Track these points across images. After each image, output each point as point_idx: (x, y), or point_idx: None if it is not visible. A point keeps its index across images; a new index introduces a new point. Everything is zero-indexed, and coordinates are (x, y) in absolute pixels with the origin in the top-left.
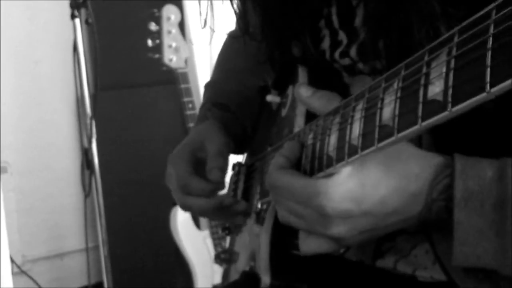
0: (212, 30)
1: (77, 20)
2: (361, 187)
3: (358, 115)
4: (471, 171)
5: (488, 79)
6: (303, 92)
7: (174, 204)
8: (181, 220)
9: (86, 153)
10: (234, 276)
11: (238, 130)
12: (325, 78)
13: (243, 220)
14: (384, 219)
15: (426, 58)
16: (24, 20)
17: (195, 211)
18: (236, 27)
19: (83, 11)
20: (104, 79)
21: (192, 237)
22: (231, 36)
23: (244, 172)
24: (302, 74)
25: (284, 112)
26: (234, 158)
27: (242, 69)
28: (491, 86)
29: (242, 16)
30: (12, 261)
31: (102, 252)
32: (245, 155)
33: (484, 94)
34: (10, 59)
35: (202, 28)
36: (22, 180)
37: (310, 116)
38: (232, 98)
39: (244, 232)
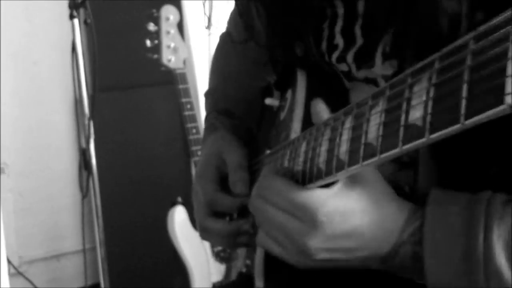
0: (209, 29)
1: (76, 21)
2: (352, 210)
3: (346, 130)
4: (440, 222)
5: (463, 111)
6: (321, 110)
7: (172, 204)
8: (179, 221)
9: (83, 154)
10: (235, 273)
11: (246, 135)
12: (325, 82)
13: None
14: (353, 251)
15: (409, 80)
16: (23, 21)
17: (212, 233)
18: (227, 30)
19: (81, 11)
20: (102, 80)
21: (189, 238)
22: (228, 41)
23: None
24: (300, 78)
25: (282, 115)
26: None
27: (240, 72)
28: (466, 118)
29: (247, 20)
30: (9, 262)
31: (99, 253)
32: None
33: (459, 125)
34: (9, 60)
35: (206, 27)
36: (19, 181)
37: (307, 122)
38: (235, 104)
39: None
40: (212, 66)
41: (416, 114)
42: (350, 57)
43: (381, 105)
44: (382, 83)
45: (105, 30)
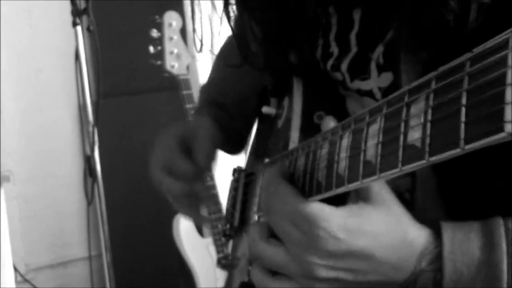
0: (201, 52)
1: (79, 28)
2: (360, 229)
3: (344, 146)
4: (459, 250)
5: (462, 135)
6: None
7: (177, 211)
8: (184, 228)
9: (88, 161)
10: (237, 280)
11: (232, 130)
12: (321, 90)
13: (208, 220)
14: (363, 273)
15: (406, 99)
16: (26, 28)
17: (171, 193)
18: (222, 48)
19: (84, 18)
20: (106, 86)
21: (195, 244)
22: (222, 64)
23: (243, 180)
24: (297, 86)
25: (280, 123)
26: (234, 162)
27: (238, 72)
28: (466, 143)
29: (242, 43)
30: (16, 269)
31: (105, 259)
32: (246, 160)
33: (458, 150)
34: (12, 67)
35: (198, 52)
36: (24, 188)
37: (305, 131)
38: (228, 97)
39: (245, 238)
40: (214, 62)
41: (415, 135)
42: (344, 66)
43: (378, 123)
44: (378, 95)
45: (108, 36)
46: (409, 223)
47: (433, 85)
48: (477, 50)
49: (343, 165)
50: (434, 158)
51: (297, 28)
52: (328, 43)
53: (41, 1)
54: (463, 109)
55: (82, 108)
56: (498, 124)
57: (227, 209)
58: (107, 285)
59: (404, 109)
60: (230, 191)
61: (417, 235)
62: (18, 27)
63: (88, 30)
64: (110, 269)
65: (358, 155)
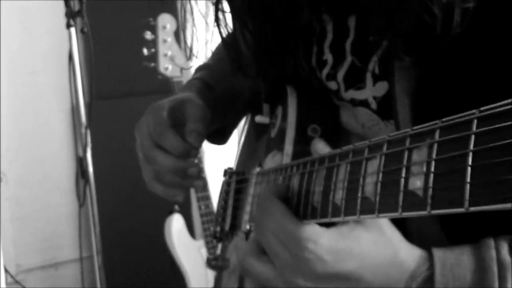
0: (190, 60)
1: (73, 29)
2: (349, 251)
3: (341, 177)
4: (451, 272)
5: (467, 197)
6: (321, 149)
7: (169, 213)
8: (176, 230)
9: (80, 163)
10: (226, 282)
11: (217, 117)
12: (315, 99)
13: (180, 195)
14: None
15: (408, 143)
16: (20, 29)
17: (157, 166)
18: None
19: (78, 20)
20: (99, 88)
21: (186, 246)
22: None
23: (234, 184)
24: (291, 96)
25: (273, 133)
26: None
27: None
28: (471, 204)
29: (234, 52)
30: (6, 271)
31: (97, 261)
32: (236, 162)
33: (462, 209)
34: (6, 68)
35: (187, 60)
36: (16, 189)
37: (298, 144)
38: (219, 83)
39: (235, 241)
40: (217, 46)
41: (416, 183)
42: (341, 75)
43: (378, 161)
44: (374, 105)
45: (102, 38)
46: (400, 244)
47: (437, 136)
48: (484, 109)
49: (339, 195)
50: (436, 212)
51: (291, 36)
52: (322, 51)
53: (34, 3)
54: (469, 169)
55: (75, 109)
56: (507, 194)
57: (218, 211)
58: (98, 287)
59: (406, 153)
60: (221, 193)
61: (408, 256)
62: (12, 28)
63: (82, 32)
64: (101, 271)
65: (356, 189)
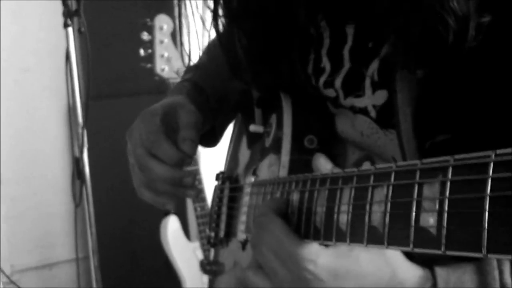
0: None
1: (70, 29)
2: (347, 271)
3: (345, 201)
4: None
5: (485, 243)
6: (322, 165)
7: (165, 214)
8: (172, 231)
9: (77, 163)
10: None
11: (207, 119)
12: (310, 108)
13: (171, 202)
14: None
15: (417, 177)
16: (17, 28)
17: (152, 175)
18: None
19: (75, 20)
20: (96, 88)
21: (182, 248)
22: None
23: (228, 191)
24: (286, 105)
25: (267, 142)
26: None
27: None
28: (488, 251)
29: (231, 57)
30: (1, 270)
31: (92, 262)
32: (226, 166)
33: (480, 254)
34: (2, 67)
35: (184, 62)
36: (12, 188)
37: (295, 154)
38: (209, 84)
39: (230, 248)
40: (209, 45)
41: (429, 221)
42: (338, 82)
43: (385, 191)
44: (373, 113)
45: (99, 38)
46: (400, 264)
47: (450, 174)
48: (503, 152)
49: (344, 219)
50: (451, 253)
51: (287, 41)
52: (320, 58)
53: (30, 2)
54: (486, 215)
55: (71, 109)
56: None
57: (211, 216)
58: (94, 287)
59: (416, 187)
60: (214, 198)
61: (408, 276)
62: (9, 28)
63: (79, 31)
64: (97, 271)
65: (362, 216)
